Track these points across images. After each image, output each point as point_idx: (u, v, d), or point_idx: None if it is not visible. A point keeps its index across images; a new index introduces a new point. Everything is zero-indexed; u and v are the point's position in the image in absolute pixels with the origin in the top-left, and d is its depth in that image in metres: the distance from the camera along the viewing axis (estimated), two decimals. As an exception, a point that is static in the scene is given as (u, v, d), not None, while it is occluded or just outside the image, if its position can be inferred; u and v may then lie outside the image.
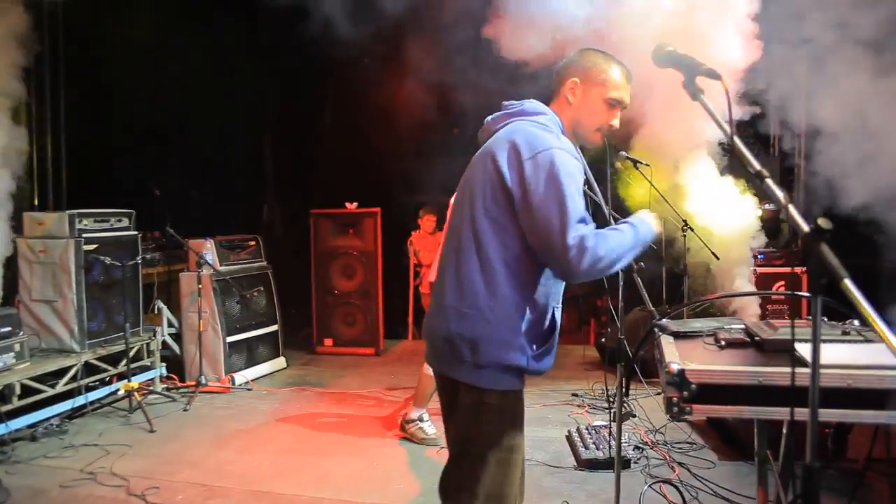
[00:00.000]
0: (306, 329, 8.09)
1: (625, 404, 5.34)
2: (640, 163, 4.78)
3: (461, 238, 2.22)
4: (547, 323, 2.25)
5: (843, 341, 2.11)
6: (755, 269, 6.38)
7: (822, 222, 1.34)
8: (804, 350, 1.78)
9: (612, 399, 5.74)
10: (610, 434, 4.69)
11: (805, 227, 1.39)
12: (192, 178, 7.79)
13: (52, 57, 6.94)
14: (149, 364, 6.05)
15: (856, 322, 2.29)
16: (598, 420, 5.20)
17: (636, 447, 4.57)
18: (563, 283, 2.30)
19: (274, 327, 7.14)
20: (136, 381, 5.54)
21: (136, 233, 5.98)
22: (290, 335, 7.62)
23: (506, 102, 2.41)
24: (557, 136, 2.22)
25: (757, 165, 1.55)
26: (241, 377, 6.44)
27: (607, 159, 3.04)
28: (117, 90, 7.23)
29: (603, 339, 7.10)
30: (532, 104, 2.33)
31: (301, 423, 5.35)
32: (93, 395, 5.44)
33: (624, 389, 3.96)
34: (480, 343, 2.13)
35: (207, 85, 7.61)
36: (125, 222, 5.92)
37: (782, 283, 6.31)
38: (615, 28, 4.66)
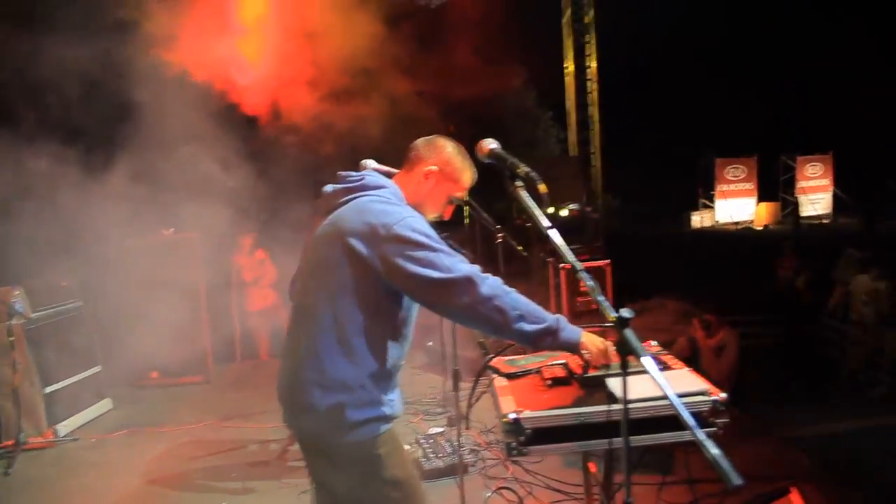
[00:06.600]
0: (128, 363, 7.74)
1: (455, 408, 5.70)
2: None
3: (317, 315, 2.35)
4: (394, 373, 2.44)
5: (641, 373, 2.53)
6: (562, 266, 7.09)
7: (626, 312, 1.73)
8: (614, 385, 2.17)
9: (444, 404, 6.11)
10: (447, 441, 5.03)
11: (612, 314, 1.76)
12: None
13: None
14: (-43, 429, 5.60)
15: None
16: (434, 427, 5.47)
17: (471, 450, 4.94)
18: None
19: (95, 368, 6.83)
20: (-53, 453, 5.11)
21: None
22: (111, 372, 7.27)
23: (343, 173, 2.51)
24: (400, 205, 2.39)
25: (571, 257, 1.90)
26: (65, 428, 6.12)
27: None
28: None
29: (430, 343, 7.43)
30: (372, 177, 2.46)
31: (141, 473, 5.20)
32: None
33: (457, 394, 4.25)
34: (347, 407, 2.29)
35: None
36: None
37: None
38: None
